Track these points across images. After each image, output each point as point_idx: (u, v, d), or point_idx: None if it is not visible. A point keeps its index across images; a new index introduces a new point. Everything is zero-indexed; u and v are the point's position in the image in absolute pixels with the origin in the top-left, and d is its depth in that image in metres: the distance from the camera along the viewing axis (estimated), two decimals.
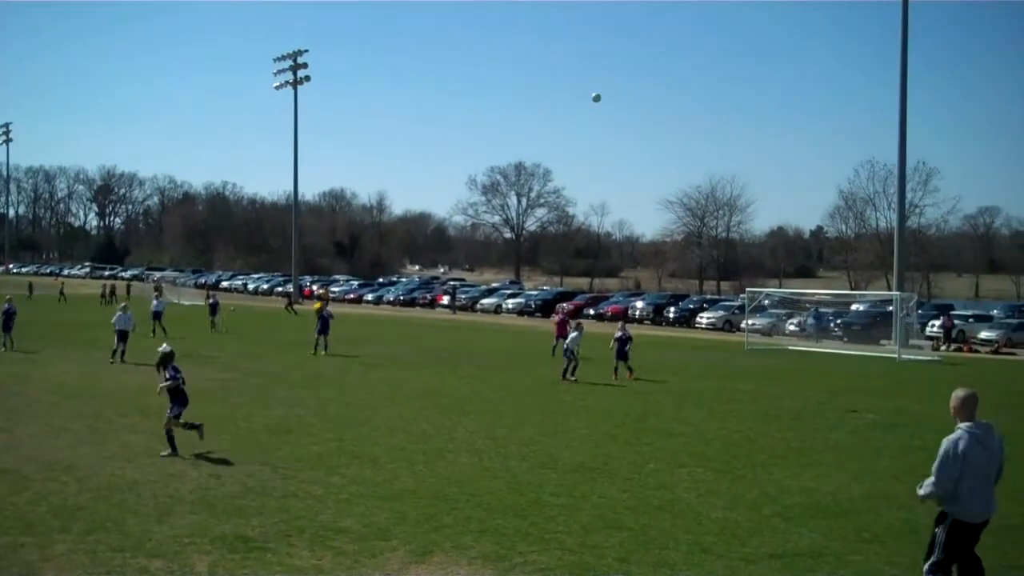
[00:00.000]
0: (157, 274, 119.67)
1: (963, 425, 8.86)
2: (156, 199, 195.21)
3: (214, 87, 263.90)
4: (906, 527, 12.72)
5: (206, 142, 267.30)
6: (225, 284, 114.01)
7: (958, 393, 8.99)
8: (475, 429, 19.59)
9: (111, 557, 10.34)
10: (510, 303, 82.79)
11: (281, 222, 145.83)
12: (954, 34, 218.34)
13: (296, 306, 72.51)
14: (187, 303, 76.13)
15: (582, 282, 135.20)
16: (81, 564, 10.09)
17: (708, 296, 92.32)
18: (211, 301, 52.02)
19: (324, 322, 36.48)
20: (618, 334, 30.49)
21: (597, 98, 27.75)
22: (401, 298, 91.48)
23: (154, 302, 44.11)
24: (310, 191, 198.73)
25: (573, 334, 30.11)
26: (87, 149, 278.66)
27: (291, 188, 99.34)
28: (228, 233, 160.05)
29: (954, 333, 56.36)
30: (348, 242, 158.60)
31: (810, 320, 58.62)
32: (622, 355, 30.21)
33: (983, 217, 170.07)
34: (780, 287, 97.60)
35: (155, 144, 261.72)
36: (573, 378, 28.64)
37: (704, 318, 68.29)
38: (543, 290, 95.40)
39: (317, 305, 40.28)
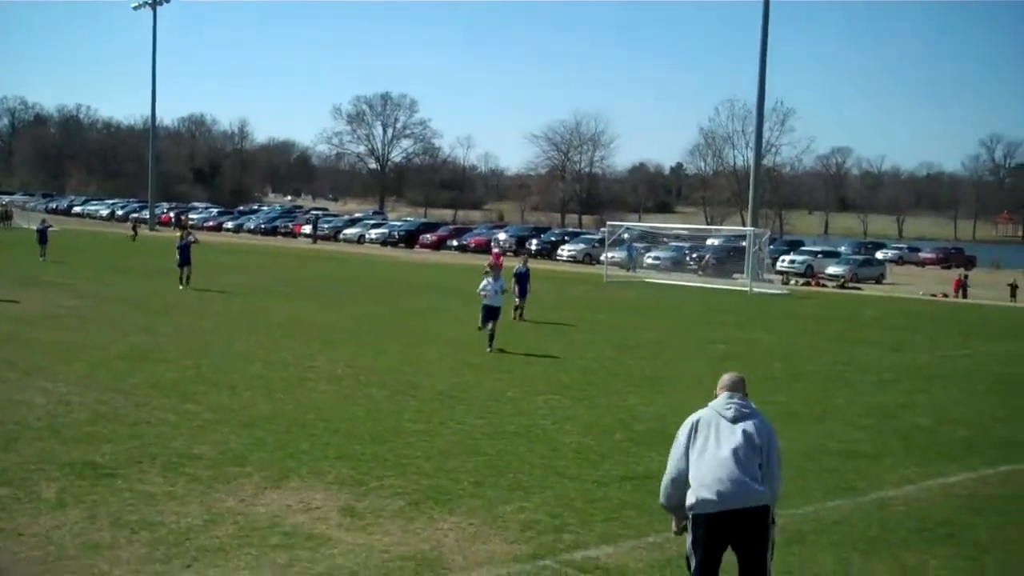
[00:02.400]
0: (6, 198, 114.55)
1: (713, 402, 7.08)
2: (6, 120, 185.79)
3: (70, 5, 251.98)
4: None
5: (60, 63, 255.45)
6: (78, 209, 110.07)
7: (723, 377, 7.26)
8: (335, 357, 19.53)
9: None
10: (373, 233, 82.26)
11: (138, 147, 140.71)
12: None
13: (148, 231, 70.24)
14: (36, 228, 73.40)
15: (446, 214, 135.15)
16: None
17: (570, 229, 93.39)
18: (41, 227, 46.05)
19: (183, 252, 33.24)
20: (518, 268, 28.04)
21: None
22: (262, 227, 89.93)
23: None
24: (169, 116, 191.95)
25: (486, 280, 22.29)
26: None
27: (149, 112, 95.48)
28: (82, 157, 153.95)
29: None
30: (208, 169, 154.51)
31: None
32: (523, 293, 27.60)
33: (835, 157, 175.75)
34: (640, 222, 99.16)
35: (5, 63, 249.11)
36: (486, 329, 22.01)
37: (565, 251, 69.18)
38: (407, 221, 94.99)
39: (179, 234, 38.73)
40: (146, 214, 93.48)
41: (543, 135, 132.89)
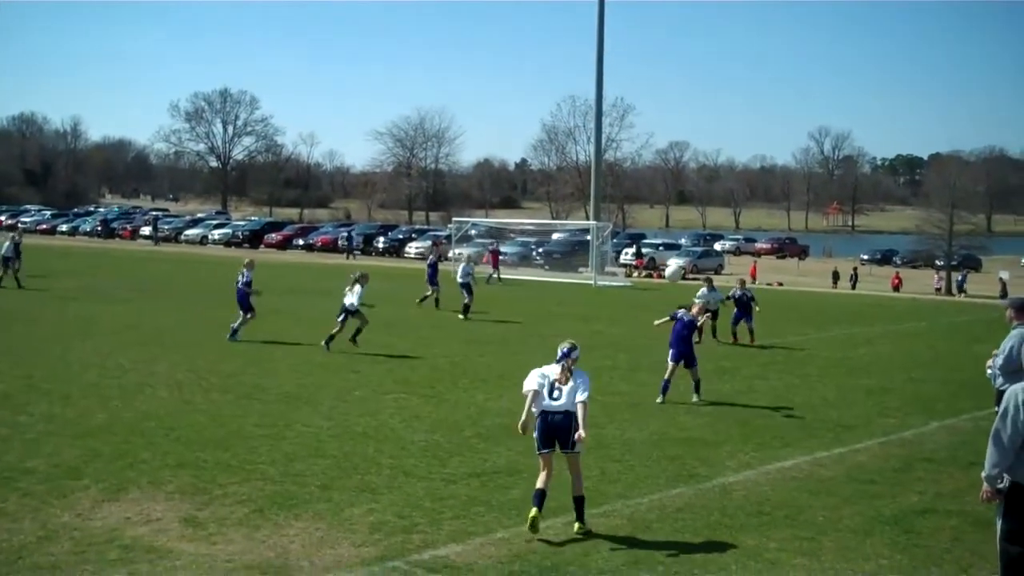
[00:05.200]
0: None
1: None
2: None
3: None
4: (596, 442, 13.46)
5: None
6: None
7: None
8: (176, 362, 19.02)
9: None
10: (216, 234, 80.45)
11: None
12: None
13: None
14: None
15: (292, 212, 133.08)
16: None
17: (417, 226, 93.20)
18: None
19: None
20: (735, 291, 26.52)
21: None
22: (99, 229, 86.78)
23: None
24: None
25: (356, 289, 21.54)
26: None
27: None
28: None
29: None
30: (40, 170, 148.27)
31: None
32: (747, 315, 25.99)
33: (673, 151, 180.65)
34: (487, 217, 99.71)
35: None
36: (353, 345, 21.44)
37: (413, 248, 68.94)
38: (251, 220, 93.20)
39: None
40: None
41: (387, 132, 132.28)
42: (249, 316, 22.74)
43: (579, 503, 9.66)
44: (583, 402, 9.67)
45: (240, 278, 22.82)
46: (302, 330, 24.55)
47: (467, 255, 34.27)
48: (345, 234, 73.37)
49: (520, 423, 9.87)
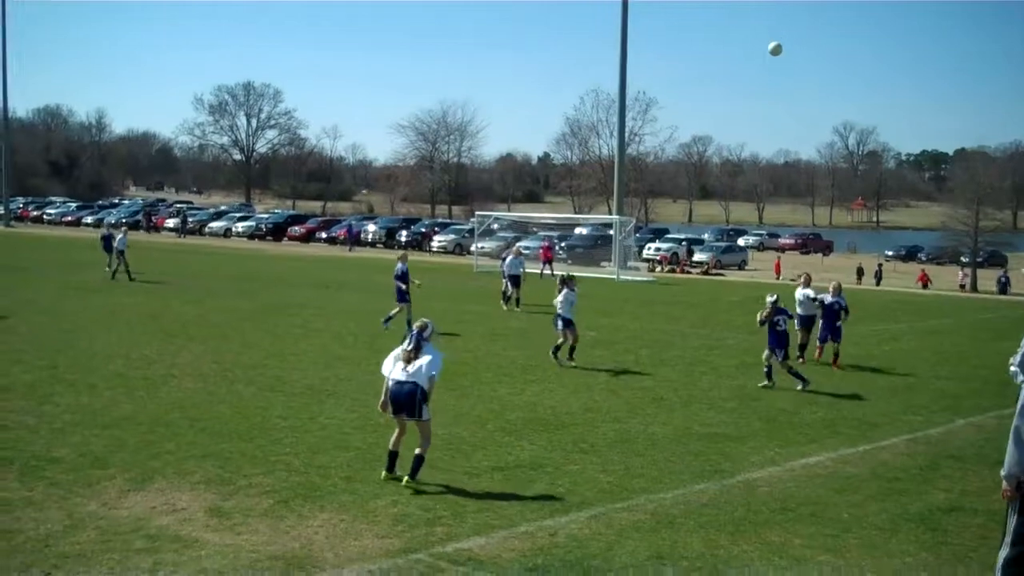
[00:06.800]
0: None
1: None
2: None
3: None
4: (619, 437, 13.46)
5: None
6: None
7: None
8: (201, 353, 19.10)
9: None
10: (240, 226, 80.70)
11: None
12: None
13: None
14: None
15: (315, 205, 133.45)
16: None
17: (440, 220, 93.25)
18: None
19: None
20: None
21: (776, 50, 26.22)
22: (141, 221, 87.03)
23: None
24: (22, 107, 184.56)
25: (564, 294, 19.85)
26: None
27: None
28: None
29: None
30: (65, 162, 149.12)
31: None
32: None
33: (696, 146, 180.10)
34: (509, 211, 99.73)
35: None
36: (570, 362, 19.40)
37: (436, 241, 69.00)
38: (274, 213, 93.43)
39: None
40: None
41: (410, 125, 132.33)
42: (405, 306, 23.56)
43: (417, 461, 10.65)
44: (431, 377, 10.63)
45: (396, 271, 23.92)
46: (325, 322, 24.62)
47: (517, 248, 34.84)
48: (345, 225, 73.58)
49: (380, 403, 10.90)
